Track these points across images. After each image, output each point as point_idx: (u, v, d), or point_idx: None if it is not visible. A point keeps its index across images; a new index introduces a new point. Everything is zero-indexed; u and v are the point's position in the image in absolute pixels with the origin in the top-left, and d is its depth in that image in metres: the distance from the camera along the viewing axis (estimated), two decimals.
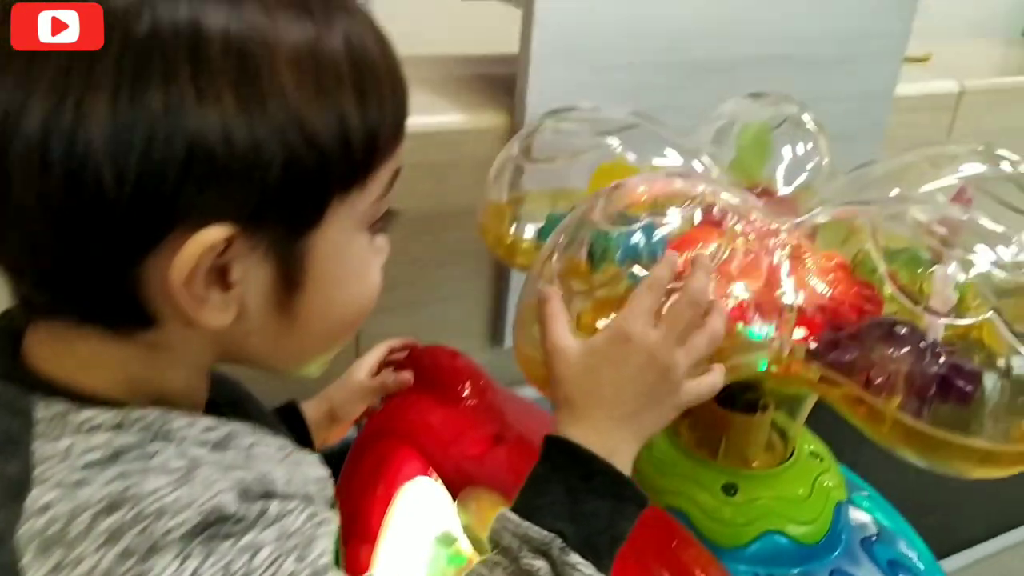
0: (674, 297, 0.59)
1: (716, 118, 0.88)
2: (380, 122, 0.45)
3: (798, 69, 1.21)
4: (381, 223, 0.49)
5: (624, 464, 0.57)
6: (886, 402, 0.62)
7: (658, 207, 0.69)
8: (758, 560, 0.69)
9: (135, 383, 0.46)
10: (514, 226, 0.81)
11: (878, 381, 0.63)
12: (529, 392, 1.20)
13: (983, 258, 0.65)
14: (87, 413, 0.43)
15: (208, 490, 0.41)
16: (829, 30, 1.21)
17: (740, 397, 0.73)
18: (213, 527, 0.40)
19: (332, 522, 0.46)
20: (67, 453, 0.42)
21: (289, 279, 0.45)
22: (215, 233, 0.41)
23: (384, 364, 0.84)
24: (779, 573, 0.69)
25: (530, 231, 0.80)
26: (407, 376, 0.81)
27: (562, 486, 0.55)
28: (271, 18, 0.41)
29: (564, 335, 0.59)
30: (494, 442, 0.73)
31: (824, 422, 0.73)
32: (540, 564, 0.51)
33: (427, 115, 1.02)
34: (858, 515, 0.77)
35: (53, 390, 0.44)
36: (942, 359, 0.62)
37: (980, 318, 0.63)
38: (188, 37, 0.39)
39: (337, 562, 0.48)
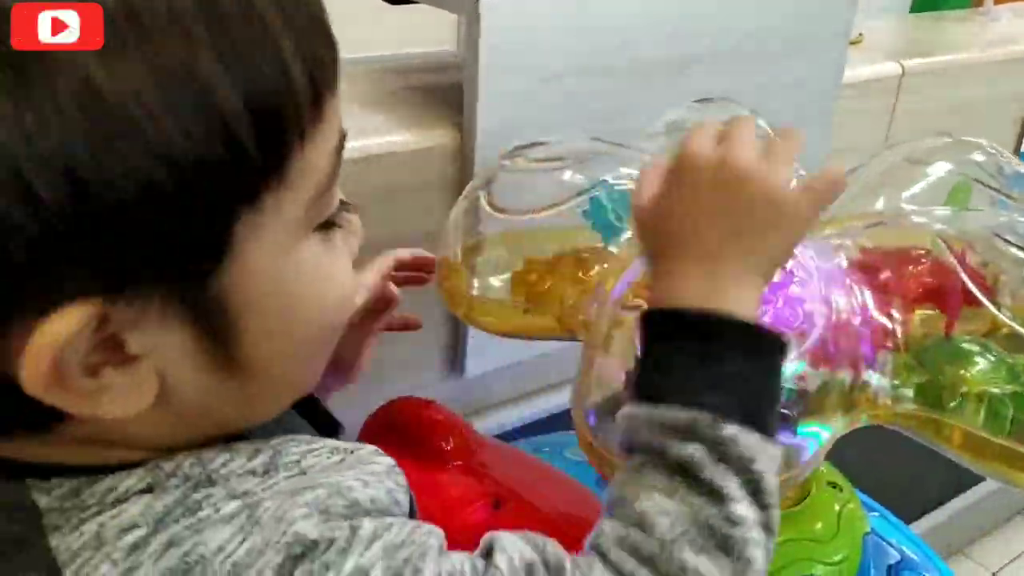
0: None
1: (666, 128, 0.82)
2: (277, 86, 0.31)
3: (748, 63, 1.17)
4: (338, 214, 0.38)
5: (749, 307, 0.46)
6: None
7: None
8: None
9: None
10: (475, 282, 0.70)
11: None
12: (494, 420, 1.15)
13: None
14: (106, 483, 0.34)
15: (280, 524, 0.34)
16: (776, 21, 1.18)
17: None
18: (303, 562, 0.34)
19: (436, 530, 0.39)
20: (99, 539, 0.33)
21: (213, 333, 0.34)
22: (69, 318, 0.29)
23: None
24: None
25: (495, 284, 0.69)
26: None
27: (683, 356, 0.45)
28: None
29: (706, 142, 0.48)
30: (493, 507, 0.66)
31: None
32: (693, 449, 0.42)
33: (370, 137, 0.94)
34: (878, 542, 0.73)
35: (49, 471, 0.34)
36: None
37: None
38: None
39: None
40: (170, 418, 0.36)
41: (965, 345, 0.58)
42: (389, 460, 0.43)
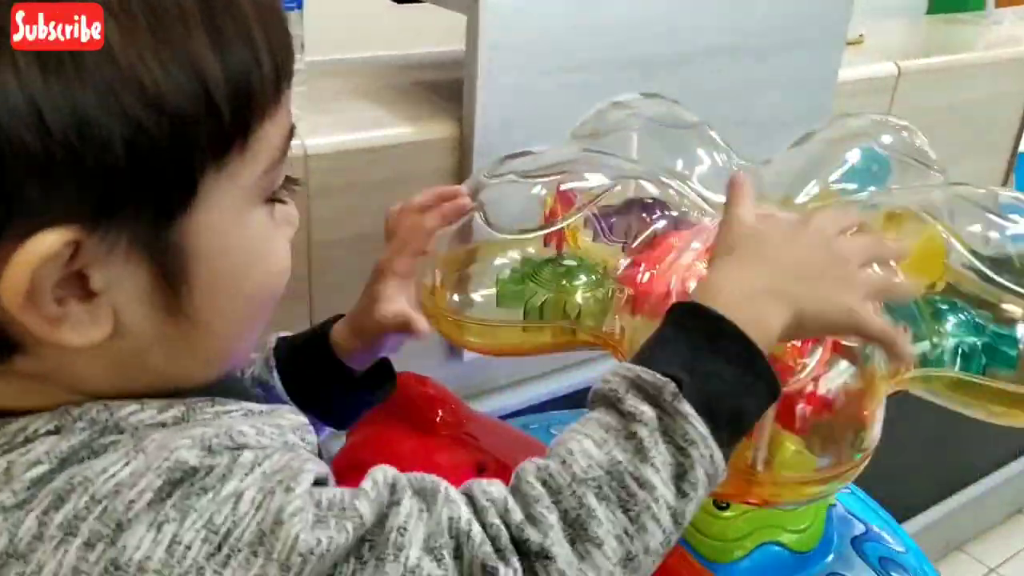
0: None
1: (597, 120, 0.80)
2: (250, 67, 0.37)
3: (745, 59, 1.20)
4: (281, 191, 0.43)
5: (766, 334, 0.49)
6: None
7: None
8: (754, 572, 0.68)
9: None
10: (457, 298, 0.69)
11: None
12: (493, 403, 1.19)
13: None
14: (18, 423, 0.38)
15: (164, 451, 0.37)
16: (773, 19, 1.21)
17: None
18: (182, 485, 0.37)
19: (319, 465, 0.42)
20: (7, 475, 0.37)
21: (168, 276, 0.38)
22: (51, 240, 0.34)
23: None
24: None
25: (477, 300, 0.68)
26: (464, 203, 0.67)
27: (684, 344, 0.48)
28: None
29: (748, 210, 0.55)
30: (476, 472, 0.70)
31: None
32: (645, 408, 0.45)
33: (371, 130, 0.98)
34: (844, 514, 0.76)
35: None
36: None
37: None
38: None
39: None
40: (116, 360, 0.39)
41: (939, 305, 0.61)
42: (301, 419, 0.46)
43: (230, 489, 0.37)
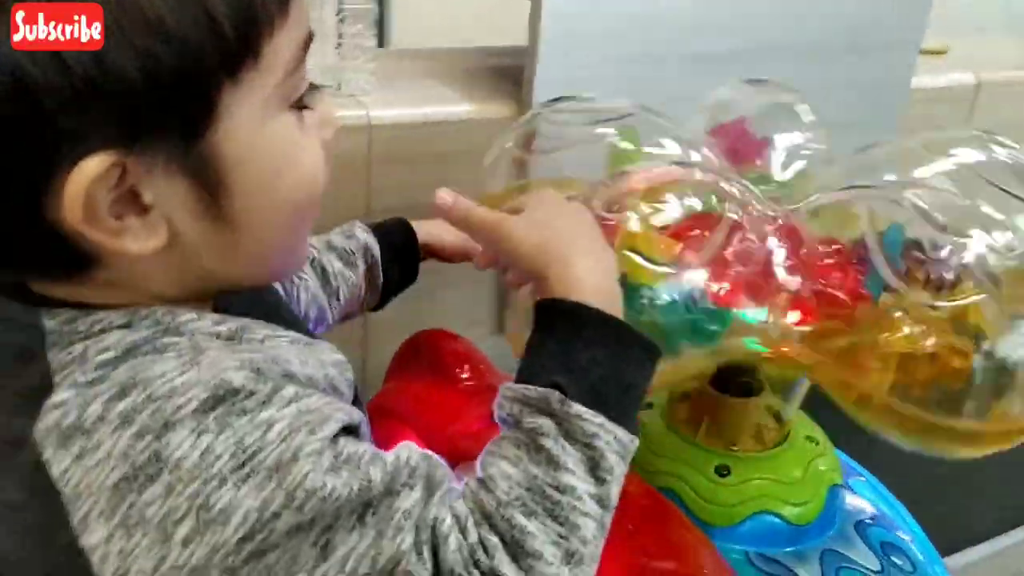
0: None
1: (713, 105, 0.88)
2: None
3: (810, 59, 1.21)
4: (306, 97, 0.46)
5: (612, 298, 0.53)
6: (876, 387, 0.62)
7: (656, 195, 0.70)
8: (750, 539, 0.70)
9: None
10: None
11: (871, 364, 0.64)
12: None
13: (978, 242, 0.65)
14: (96, 316, 0.44)
15: (214, 368, 0.41)
16: (842, 20, 1.21)
17: (734, 380, 0.74)
18: (225, 403, 0.41)
19: (352, 413, 0.45)
20: (83, 357, 0.42)
21: (207, 186, 0.43)
22: (94, 165, 0.39)
23: None
24: (771, 552, 0.70)
25: None
26: None
27: (553, 343, 0.51)
28: None
29: (491, 213, 0.58)
30: (491, 420, 0.74)
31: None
32: (543, 421, 0.48)
33: (432, 105, 1.04)
34: (855, 500, 0.77)
35: (57, 304, 0.44)
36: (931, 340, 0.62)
37: (971, 300, 0.63)
38: None
39: None
40: (176, 266, 0.45)
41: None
42: (340, 357, 0.50)
43: (265, 416, 0.41)
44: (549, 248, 0.54)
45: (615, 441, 0.48)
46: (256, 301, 0.56)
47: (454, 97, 1.06)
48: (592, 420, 0.48)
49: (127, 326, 0.44)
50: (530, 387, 0.49)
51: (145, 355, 0.42)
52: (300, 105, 0.46)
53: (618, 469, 0.48)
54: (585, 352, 0.50)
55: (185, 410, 0.40)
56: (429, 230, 0.81)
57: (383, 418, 0.83)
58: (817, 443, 0.76)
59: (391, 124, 0.99)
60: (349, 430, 0.45)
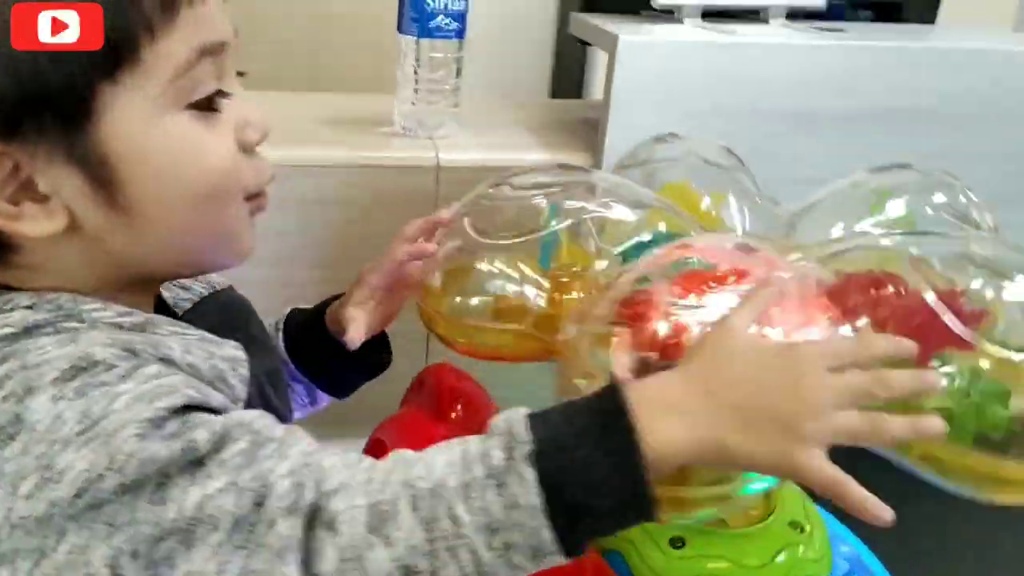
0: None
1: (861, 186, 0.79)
2: (124, 3, 0.42)
3: (931, 124, 1.12)
4: (212, 103, 0.48)
5: (667, 447, 0.47)
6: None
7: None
8: None
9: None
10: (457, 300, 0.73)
11: None
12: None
13: None
14: (8, 296, 0.48)
15: (84, 344, 0.44)
16: (968, 83, 1.11)
17: None
18: (85, 373, 0.43)
19: (211, 396, 0.46)
20: None
21: (98, 178, 0.45)
22: None
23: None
24: None
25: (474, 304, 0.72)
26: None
27: (579, 424, 0.47)
28: None
29: (744, 319, 0.52)
30: None
31: None
32: (497, 453, 0.45)
33: (510, 152, 1.06)
34: None
35: None
36: None
37: None
38: None
39: None
40: (83, 249, 0.48)
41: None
42: (240, 355, 0.52)
43: (121, 388, 0.43)
44: (708, 354, 0.51)
45: (533, 532, 0.44)
46: (225, 311, 0.60)
47: (530, 145, 1.08)
48: (528, 498, 0.44)
49: (30, 307, 0.48)
50: (523, 422, 0.46)
51: (42, 335, 0.46)
52: (208, 106, 0.48)
53: (519, 557, 0.44)
54: (591, 453, 0.46)
55: (47, 378, 0.43)
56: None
57: (376, 440, 0.86)
58: (802, 530, 0.69)
59: (461, 167, 1.02)
60: (201, 408, 0.46)
